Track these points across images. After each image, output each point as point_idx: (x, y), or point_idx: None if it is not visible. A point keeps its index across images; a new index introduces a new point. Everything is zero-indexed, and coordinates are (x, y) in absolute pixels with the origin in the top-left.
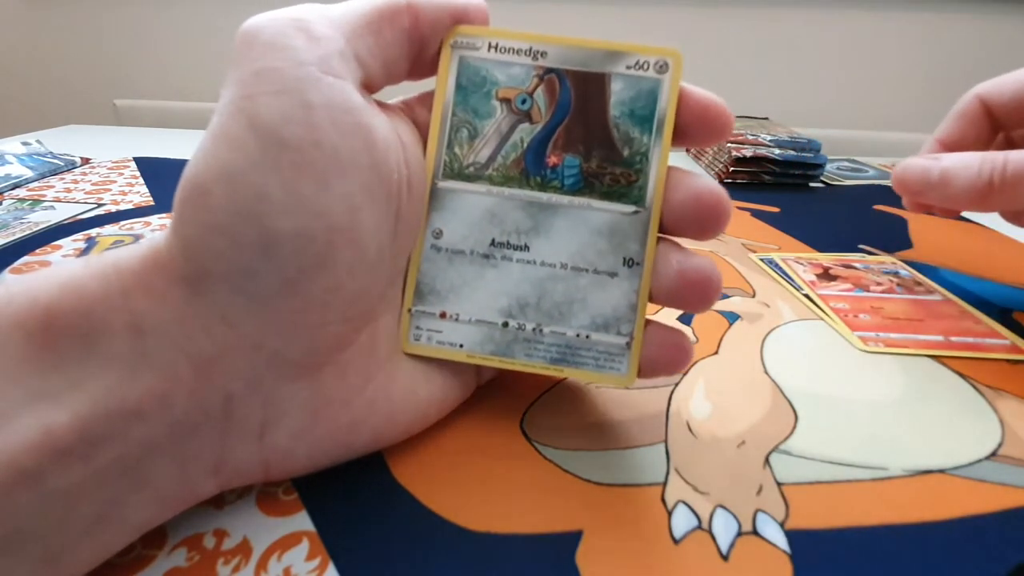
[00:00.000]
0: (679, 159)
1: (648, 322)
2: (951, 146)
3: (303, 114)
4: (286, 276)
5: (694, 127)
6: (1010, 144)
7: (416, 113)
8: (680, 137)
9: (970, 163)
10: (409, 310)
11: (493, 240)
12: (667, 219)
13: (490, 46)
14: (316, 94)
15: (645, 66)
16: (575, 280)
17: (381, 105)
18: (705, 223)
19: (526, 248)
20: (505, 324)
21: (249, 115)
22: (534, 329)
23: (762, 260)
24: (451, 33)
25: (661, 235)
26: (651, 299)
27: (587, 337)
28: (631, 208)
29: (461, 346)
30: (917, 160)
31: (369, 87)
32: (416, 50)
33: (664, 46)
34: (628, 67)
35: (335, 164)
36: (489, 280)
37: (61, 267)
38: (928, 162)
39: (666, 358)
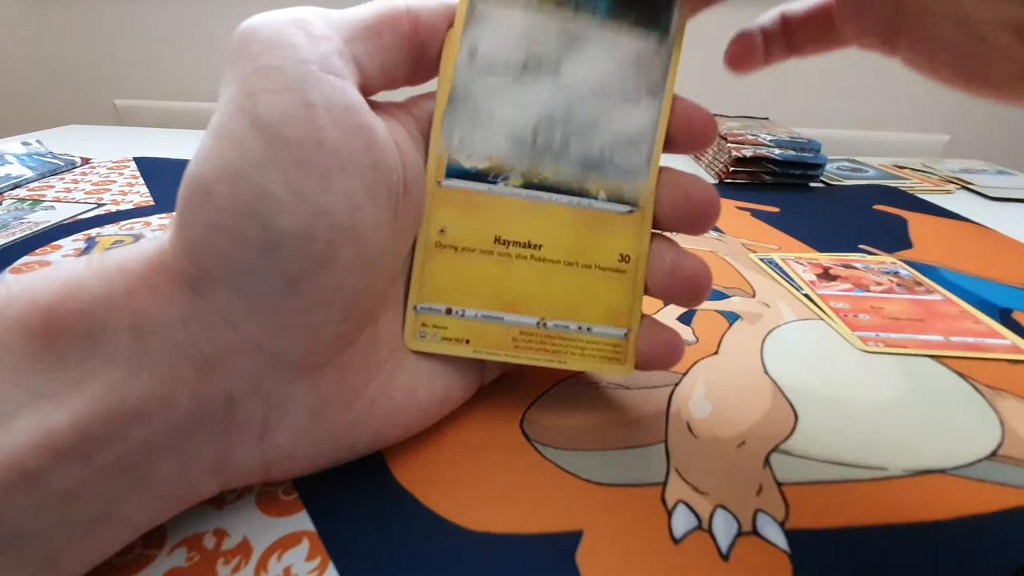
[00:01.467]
0: (681, 160)
1: (644, 318)
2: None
3: (305, 113)
4: (289, 276)
5: (681, 135)
6: None
7: (413, 112)
8: (669, 144)
9: None
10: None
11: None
12: (661, 217)
13: None
14: (317, 93)
15: None
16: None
17: (375, 106)
18: (696, 221)
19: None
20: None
21: (251, 114)
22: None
23: (762, 260)
24: None
25: (657, 232)
26: (647, 292)
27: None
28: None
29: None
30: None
31: (365, 91)
32: (415, 55)
33: None
34: None
35: (336, 163)
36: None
37: (63, 267)
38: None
39: (659, 353)
